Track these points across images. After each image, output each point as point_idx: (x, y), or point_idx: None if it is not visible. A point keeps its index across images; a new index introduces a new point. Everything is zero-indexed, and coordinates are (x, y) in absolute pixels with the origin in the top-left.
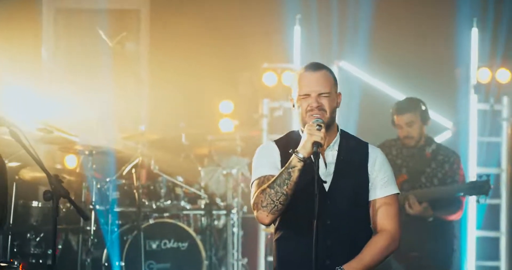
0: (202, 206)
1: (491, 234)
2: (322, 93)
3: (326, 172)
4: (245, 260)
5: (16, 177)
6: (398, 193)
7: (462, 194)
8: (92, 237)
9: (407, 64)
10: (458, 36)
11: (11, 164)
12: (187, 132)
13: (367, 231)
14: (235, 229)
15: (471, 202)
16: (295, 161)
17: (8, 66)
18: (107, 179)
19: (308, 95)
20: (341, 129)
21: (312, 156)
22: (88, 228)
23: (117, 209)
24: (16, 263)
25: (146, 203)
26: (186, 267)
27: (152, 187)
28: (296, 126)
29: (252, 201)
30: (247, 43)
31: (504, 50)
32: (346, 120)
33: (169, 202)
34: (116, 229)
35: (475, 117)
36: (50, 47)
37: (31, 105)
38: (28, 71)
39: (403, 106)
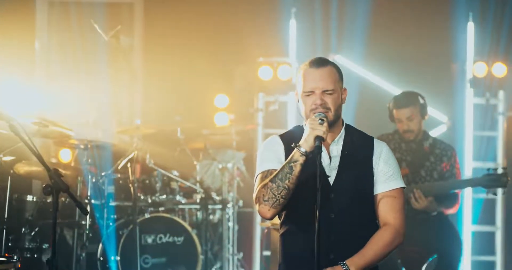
0: (198, 201)
1: (486, 228)
2: (326, 90)
3: (331, 166)
4: (241, 254)
5: (11, 171)
6: (403, 187)
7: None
8: (87, 232)
9: (403, 59)
10: (454, 30)
11: (5, 158)
12: (183, 126)
13: (372, 226)
14: (230, 224)
15: (467, 197)
16: (297, 155)
17: (1, 60)
18: (103, 173)
19: (312, 92)
20: (346, 124)
21: (314, 150)
22: (83, 222)
23: (112, 204)
24: (16, 257)
25: (142, 197)
26: (181, 262)
27: (147, 181)
28: (291, 120)
29: (254, 195)
30: (242, 37)
31: (500, 44)
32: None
33: (164, 196)
34: (111, 224)
35: (471, 112)
36: (44, 40)
37: (25, 98)
38: (22, 64)
39: (403, 101)
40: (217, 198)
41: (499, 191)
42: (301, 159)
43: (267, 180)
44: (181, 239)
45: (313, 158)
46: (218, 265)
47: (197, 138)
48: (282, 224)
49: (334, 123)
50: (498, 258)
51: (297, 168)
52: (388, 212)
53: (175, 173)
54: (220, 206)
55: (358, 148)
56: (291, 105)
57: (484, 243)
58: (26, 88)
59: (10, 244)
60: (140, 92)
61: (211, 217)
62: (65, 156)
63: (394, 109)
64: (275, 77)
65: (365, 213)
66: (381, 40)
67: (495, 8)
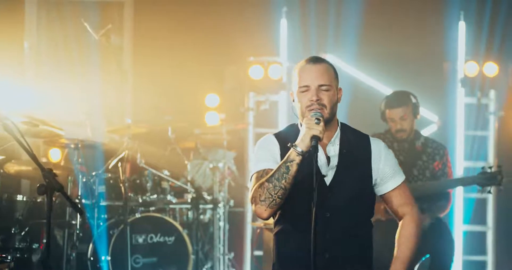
0: (189, 200)
1: (478, 228)
2: (322, 85)
3: (329, 166)
4: (232, 254)
5: (1, 170)
6: (405, 178)
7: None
8: (77, 231)
9: (395, 58)
10: (446, 29)
11: None
12: (174, 125)
13: (366, 224)
14: (221, 223)
15: (458, 197)
16: (294, 155)
17: None
18: (93, 173)
19: (307, 86)
20: (341, 123)
21: (310, 150)
22: (73, 222)
23: (103, 203)
24: (9, 257)
25: (132, 197)
26: (172, 261)
27: (138, 181)
28: (282, 119)
29: (250, 195)
30: (233, 36)
31: (492, 43)
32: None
33: (155, 196)
34: (101, 223)
35: (462, 111)
36: (33, 39)
37: (14, 98)
38: (11, 64)
39: (395, 100)
40: (208, 197)
41: (493, 189)
42: (298, 159)
43: (263, 179)
44: (172, 239)
45: (309, 157)
46: (209, 264)
47: (188, 137)
48: (276, 223)
49: (329, 121)
50: (489, 258)
51: (293, 168)
52: (403, 205)
53: (166, 172)
54: (211, 206)
55: (355, 148)
56: (282, 105)
57: (475, 243)
58: (15, 87)
59: (0, 244)
60: (130, 91)
61: (201, 216)
62: (55, 155)
63: (386, 109)
64: (266, 77)
65: (360, 212)
66: (372, 40)
67: (487, 7)
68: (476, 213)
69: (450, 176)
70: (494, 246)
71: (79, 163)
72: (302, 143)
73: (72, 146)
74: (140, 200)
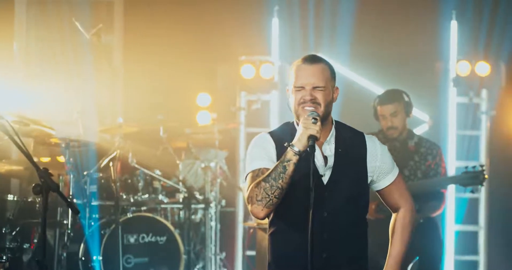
0: (180, 200)
1: (470, 228)
2: (316, 87)
3: (325, 165)
4: (223, 254)
5: None
6: (399, 170)
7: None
8: (68, 231)
9: (387, 58)
10: (438, 29)
11: None
12: (165, 125)
13: (363, 223)
14: (212, 223)
15: (450, 197)
16: (291, 155)
17: None
18: (85, 173)
19: (302, 87)
20: (335, 121)
21: (307, 149)
22: (65, 222)
23: (94, 203)
24: (4, 257)
25: (124, 196)
26: (164, 261)
27: (129, 181)
28: (274, 118)
29: (246, 195)
30: (224, 35)
31: (484, 43)
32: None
33: (146, 195)
34: (93, 223)
35: (454, 110)
36: (22, 39)
37: (4, 98)
38: (1, 64)
39: (387, 97)
40: (200, 197)
41: (477, 189)
42: (295, 159)
43: (259, 179)
44: (163, 238)
45: (306, 157)
46: (200, 264)
47: (180, 137)
48: (271, 223)
49: (324, 120)
50: (481, 258)
51: (290, 168)
52: (398, 199)
53: (158, 172)
54: (202, 206)
55: (351, 146)
56: (273, 104)
57: (467, 242)
58: (5, 87)
59: None
60: (121, 90)
61: (193, 216)
62: (45, 155)
63: (378, 105)
64: (257, 76)
65: (357, 211)
66: (365, 40)
67: (479, 7)
68: (468, 213)
69: (443, 176)
70: (486, 246)
71: (70, 162)
72: (299, 142)
73: (63, 145)
74: (132, 200)
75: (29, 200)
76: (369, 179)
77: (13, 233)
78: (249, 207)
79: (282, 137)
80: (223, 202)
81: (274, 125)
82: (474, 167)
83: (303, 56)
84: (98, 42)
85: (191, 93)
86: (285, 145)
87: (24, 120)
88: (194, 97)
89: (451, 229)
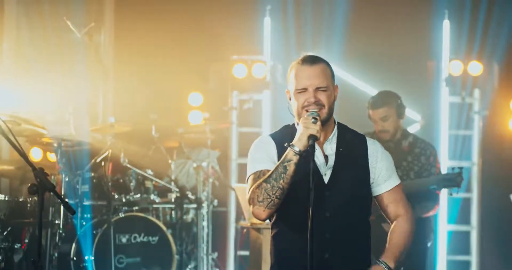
0: (172, 200)
1: (462, 228)
2: (320, 88)
3: (326, 165)
4: (215, 254)
5: None
6: (400, 182)
7: (435, 187)
8: (60, 231)
9: (380, 57)
10: (431, 28)
11: None
12: (157, 124)
13: (365, 224)
14: (204, 223)
15: (443, 196)
16: (291, 155)
17: None
18: (77, 172)
19: (305, 89)
20: (338, 122)
21: (308, 149)
22: (56, 221)
23: (86, 203)
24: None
25: (116, 196)
26: (156, 261)
27: (121, 180)
28: (266, 118)
29: (247, 196)
30: (216, 35)
31: (476, 42)
32: None
33: (138, 195)
34: (84, 223)
35: (446, 110)
36: (12, 39)
37: None
38: None
39: (378, 101)
40: (192, 197)
41: (454, 191)
42: (295, 159)
43: (260, 180)
44: (155, 238)
45: (307, 157)
46: (192, 264)
47: (172, 136)
48: (274, 224)
49: (327, 121)
50: (474, 258)
51: (291, 168)
52: (397, 207)
53: (150, 172)
54: (195, 206)
55: (352, 146)
56: (265, 104)
57: (460, 242)
58: None
59: None
60: (112, 90)
61: (185, 216)
62: (36, 154)
63: (369, 109)
64: (249, 75)
65: (359, 211)
66: (357, 39)
67: (471, 6)
68: (461, 212)
69: None
70: (478, 246)
71: (62, 162)
72: (299, 142)
73: (55, 145)
74: (124, 200)
75: (20, 200)
76: (371, 180)
77: (4, 233)
78: (251, 208)
79: (283, 138)
80: (215, 202)
81: (266, 124)
82: (453, 168)
83: (301, 57)
84: (90, 41)
85: (183, 92)
86: (285, 145)
87: (16, 120)
88: (186, 97)
89: (443, 229)
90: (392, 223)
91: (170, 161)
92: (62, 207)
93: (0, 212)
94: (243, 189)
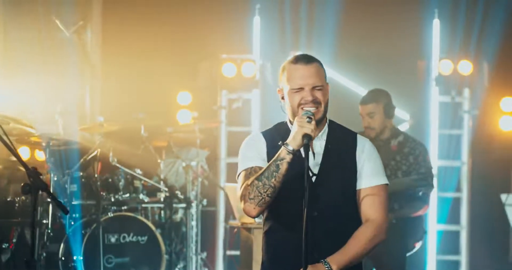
0: (161, 199)
1: (451, 227)
2: (316, 86)
3: (314, 162)
4: (204, 254)
5: None
6: (386, 184)
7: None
8: (48, 231)
9: (370, 56)
10: (421, 28)
11: None
12: (146, 123)
13: (356, 223)
14: (193, 223)
15: (431, 196)
16: (284, 154)
17: None
18: (66, 172)
19: (301, 88)
20: (329, 119)
21: (302, 148)
22: (44, 221)
23: (75, 202)
24: None
25: (105, 196)
26: (145, 261)
27: (110, 180)
28: (255, 117)
29: (239, 193)
30: (205, 33)
31: (466, 42)
32: None
33: (127, 195)
34: (74, 223)
35: (436, 109)
36: (0, 37)
37: None
38: None
39: (367, 97)
40: (181, 196)
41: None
42: (288, 157)
43: (252, 178)
44: (145, 238)
45: (300, 156)
46: (181, 264)
47: (161, 136)
48: (265, 221)
49: (322, 119)
50: (463, 258)
51: (283, 166)
52: (370, 208)
53: (139, 171)
54: (184, 205)
55: (341, 143)
56: (255, 103)
57: (449, 242)
58: None
59: None
60: (99, 89)
61: (173, 216)
62: (24, 153)
63: (359, 105)
64: (238, 74)
65: (348, 210)
66: (347, 38)
67: (462, 5)
68: (450, 212)
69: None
70: (468, 245)
71: (50, 161)
72: (293, 141)
73: (44, 144)
74: (113, 199)
75: (8, 199)
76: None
77: None
78: (242, 205)
79: (275, 136)
80: (204, 202)
81: (256, 123)
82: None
83: (294, 56)
84: (79, 39)
85: (172, 91)
86: (279, 144)
87: (4, 119)
88: (174, 96)
89: (433, 228)
90: (362, 223)
91: (159, 161)
92: (50, 207)
93: None
94: (234, 189)
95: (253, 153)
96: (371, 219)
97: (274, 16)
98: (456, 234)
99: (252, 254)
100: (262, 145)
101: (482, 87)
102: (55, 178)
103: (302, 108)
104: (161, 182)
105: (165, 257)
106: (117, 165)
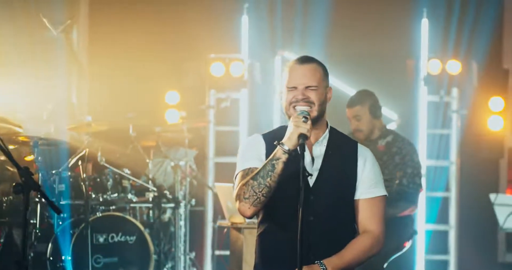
0: (150, 199)
1: (440, 227)
2: (309, 86)
3: (313, 167)
4: (193, 254)
5: None
6: (385, 195)
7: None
8: (36, 231)
9: (358, 57)
10: (410, 27)
11: None
12: (135, 123)
13: (351, 230)
14: (182, 222)
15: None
16: (280, 153)
17: None
18: (53, 171)
19: (295, 87)
20: (330, 126)
21: (297, 148)
22: (32, 221)
23: (63, 202)
24: None
25: (93, 195)
26: (133, 261)
27: (98, 180)
28: (243, 117)
29: (234, 193)
30: (193, 33)
31: (455, 41)
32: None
33: (116, 194)
34: (61, 223)
35: (425, 109)
36: None
37: None
38: None
39: (352, 99)
40: (170, 196)
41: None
42: (284, 157)
43: (248, 177)
44: (133, 238)
45: (295, 156)
46: (170, 264)
47: (149, 135)
48: (260, 223)
49: (318, 120)
50: (452, 257)
51: (279, 166)
52: (369, 220)
53: (127, 171)
54: (172, 205)
55: (342, 151)
56: (243, 102)
57: (438, 242)
58: None
59: None
60: (87, 88)
61: (162, 216)
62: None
63: (346, 108)
64: (227, 74)
65: (344, 217)
66: (336, 37)
67: (450, 5)
68: (439, 212)
69: (412, 175)
70: (456, 245)
71: (39, 161)
72: (289, 141)
73: (31, 143)
74: (101, 199)
75: None
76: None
77: None
78: (237, 204)
79: (275, 138)
80: (193, 202)
81: (244, 123)
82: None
83: (296, 58)
84: (67, 38)
85: (160, 91)
86: (274, 143)
87: None
88: (162, 95)
89: (421, 228)
90: (359, 233)
91: (147, 160)
92: (38, 206)
93: None
94: (224, 188)
95: (252, 154)
96: (369, 230)
97: (262, 15)
98: (445, 234)
99: (242, 254)
100: (261, 147)
101: (470, 87)
102: (43, 178)
103: (293, 107)
104: (150, 182)
105: (154, 257)
106: (106, 164)
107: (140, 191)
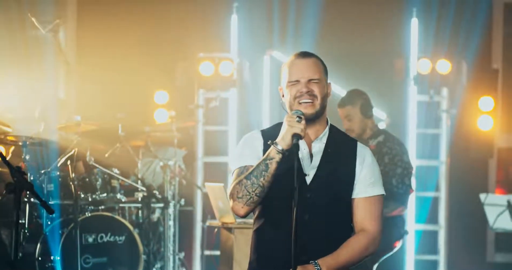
0: (139, 199)
1: (430, 227)
2: (312, 79)
3: (310, 164)
4: (182, 254)
5: None
6: (383, 194)
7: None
8: (25, 231)
9: (347, 56)
10: (399, 26)
11: None
12: (124, 123)
13: (347, 229)
14: (171, 222)
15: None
16: (274, 153)
17: None
18: (42, 171)
19: (297, 81)
20: (330, 123)
21: (291, 148)
22: (21, 221)
23: (52, 202)
24: None
25: (82, 195)
26: (123, 261)
27: (87, 179)
28: (232, 116)
29: (229, 191)
30: (182, 32)
31: (444, 41)
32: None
33: (105, 194)
34: (50, 223)
35: (414, 109)
36: None
37: None
38: None
39: (343, 99)
40: (159, 196)
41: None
42: (278, 157)
43: (242, 176)
44: (122, 238)
45: (290, 156)
46: (159, 264)
47: (138, 135)
48: (255, 220)
49: (319, 115)
50: (441, 257)
51: (272, 166)
52: (366, 219)
53: (116, 170)
54: (161, 205)
55: (341, 149)
56: (232, 102)
57: (428, 242)
58: None
59: None
60: (75, 87)
61: (151, 215)
62: None
63: (337, 108)
64: (216, 73)
65: (340, 216)
66: (325, 36)
67: (440, 4)
68: (430, 212)
69: (401, 176)
70: (446, 245)
71: (27, 160)
72: (282, 141)
73: (20, 143)
74: (90, 199)
75: None
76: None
77: None
78: (230, 203)
79: (273, 135)
80: (182, 201)
81: (233, 123)
82: None
83: (294, 53)
84: (55, 38)
85: (149, 90)
86: (268, 143)
87: None
88: (151, 95)
89: (411, 228)
90: (355, 232)
91: (136, 160)
92: (27, 206)
93: None
94: (214, 188)
95: (249, 151)
96: (366, 230)
97: (252, 14)
98: (434, 233)
99: (233, 254)
100: (259, 144)
101: (460, 86)
102: (32, 178)
103: (298, 102)
104: (139, 182)
105: (143, 257)
106: (95, 164)
107: (129, 191)
